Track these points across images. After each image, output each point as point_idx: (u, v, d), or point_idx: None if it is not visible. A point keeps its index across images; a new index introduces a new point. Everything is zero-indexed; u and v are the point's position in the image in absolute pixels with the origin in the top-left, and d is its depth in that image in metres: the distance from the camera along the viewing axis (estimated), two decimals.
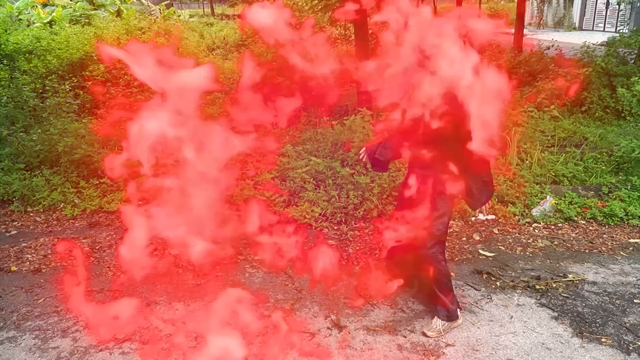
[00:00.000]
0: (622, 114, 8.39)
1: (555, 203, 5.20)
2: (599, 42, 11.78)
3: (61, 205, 5.38)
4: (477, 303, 3.69)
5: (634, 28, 12.13)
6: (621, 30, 14.87)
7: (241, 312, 2.96)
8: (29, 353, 3.17)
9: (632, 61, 10.07)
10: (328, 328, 3.40)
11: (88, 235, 4.81)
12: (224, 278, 4.04)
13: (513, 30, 13.90)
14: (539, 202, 5.26)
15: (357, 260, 4.32)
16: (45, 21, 16.64)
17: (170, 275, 4.08)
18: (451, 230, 4.85)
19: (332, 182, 5.35)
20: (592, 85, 8.78)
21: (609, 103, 8.59)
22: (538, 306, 3.65)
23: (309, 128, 7.55)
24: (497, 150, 2.77)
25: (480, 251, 4.51)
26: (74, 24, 16.04)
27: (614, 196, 5.39)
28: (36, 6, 18.55)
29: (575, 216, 5.11)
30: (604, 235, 4.82)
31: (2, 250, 4.53)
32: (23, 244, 4.66)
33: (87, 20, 16.58)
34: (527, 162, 5.98)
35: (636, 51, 10.11)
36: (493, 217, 5.14)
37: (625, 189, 5.48)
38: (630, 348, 3.19)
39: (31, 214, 5.29)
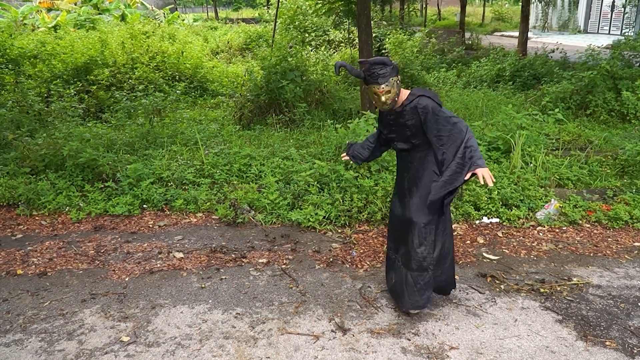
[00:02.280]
0: (627, 117, 8.39)
1: (560, 206, 5.19)
2: (604, 45, 11.77)
3: (66, 209, 5.41)
4: (481, 306, 3.69)
5: None
6: (626, 33, 14.85)
7: None
8: (35, 356, 3.19)
9: (638, 64, 10.06)
10: (332, 331, 3.41)
11: (93, 238, 4.84)
12: (228, 281, 4.04)
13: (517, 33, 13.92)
14: (544, 206, 5.25)
15: (361, 263, 4.32)
16: (49, 26, 16.77)
17: (175, 278, 4.10)
18: (455, 233, 4.85)
19: (336, 186, 5.37)
20: (597, 88, 8.77)
21: (614, 106, 8.57)
22: (542, 309, 3.64)
23: (313, 131, 7.58)
24: None
25: (485, 254, 4.51)
26: (78, 29, 16.17)
27: (619, 199, 5.38)
28: (41, 11, 18.70)
29: (580, 219, 5.10)
30: (609, 239, 4.81)
31: (8, 254, 4.56)
32: (29, 248, 4.68)
33: (92, 25, 16.71)
34: (531, 165, 5.98)
35: None
36: (497, 220, 5.14)
37: (630, 192, 5.47)
38: (635, 351, 3.18)
39: (37, 218, 5.31)
